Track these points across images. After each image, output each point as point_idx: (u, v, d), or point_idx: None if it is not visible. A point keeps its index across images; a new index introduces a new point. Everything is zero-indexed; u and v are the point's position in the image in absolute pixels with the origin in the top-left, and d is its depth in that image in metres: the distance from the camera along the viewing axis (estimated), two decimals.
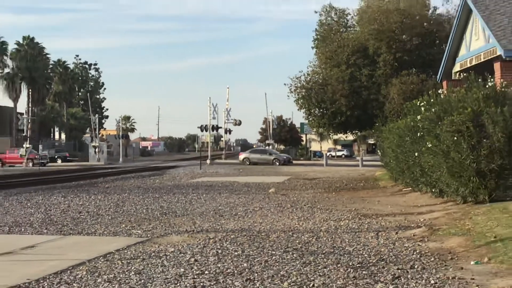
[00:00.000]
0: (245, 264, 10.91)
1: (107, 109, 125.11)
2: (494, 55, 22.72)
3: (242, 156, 70.85)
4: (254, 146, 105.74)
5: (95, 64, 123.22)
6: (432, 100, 21.31)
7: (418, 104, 22.61)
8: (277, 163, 65.46)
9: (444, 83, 29.79)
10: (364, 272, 10.21)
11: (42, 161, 67.66)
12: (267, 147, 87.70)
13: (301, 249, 12.46)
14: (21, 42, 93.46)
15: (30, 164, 65.44)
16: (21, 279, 9.78)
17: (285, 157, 70.76)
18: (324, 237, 14.13)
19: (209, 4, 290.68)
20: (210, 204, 22.64)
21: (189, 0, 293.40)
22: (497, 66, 22.42)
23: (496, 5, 24.25)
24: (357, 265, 10.77)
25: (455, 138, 17.91)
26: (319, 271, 10.33)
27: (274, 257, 11.58)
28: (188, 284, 9.42)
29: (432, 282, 9.46)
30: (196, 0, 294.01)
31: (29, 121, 78.37)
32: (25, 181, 36.49)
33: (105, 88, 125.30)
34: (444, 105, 19.84)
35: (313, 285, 9.28)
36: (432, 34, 48.05)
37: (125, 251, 12.42)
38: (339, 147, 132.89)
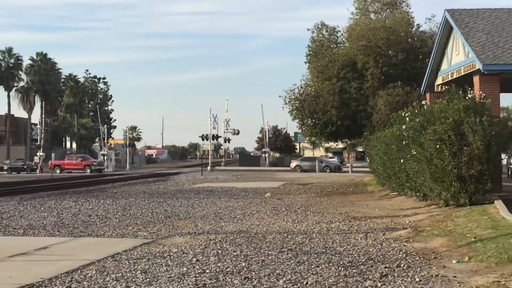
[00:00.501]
0: (243, 264, 10.90)
1: (115, 120, 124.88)
2: (474, 69, 22.74)
3: (293, 164, 69.24)
4: (252, 154, 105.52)
5: (104, 78, 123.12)
6: (416, 111, 21.34)
7: (403, 114, 22.63)
8: (328, 170, 64.47)
9: (427, 95, 29.80)
10: (354, 270, 10.21)
11: (100, 167, 68.34)
12: (319, 156, 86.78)
13: (295, 250, 12.45)
14: (35, 57, 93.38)
15: (88, 171, 66.08)
16: (35, 278, 9.77)
17: (335, 163, 68.95)
18: (317, 238, 14.12)
19: (209, 22, 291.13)
20: (210, 207, 22.63)
21: (189, 19, 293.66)
22: (476, 79, 22.43)
23: (475, 23, 24.31)
24: (348, 264, 10.76)
25: (438, 146, 17.95)
26: (312, 269, 10.33)
27: (270, 257, 11.57)
28: (190, 282, 9.40)
29: (417, 279, 9.46)
30: (196, 19, 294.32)
31: (43, 131, 78.28)
32: (38, 187, 36.43)
33: (113, 100, 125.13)
34: (427, 115, 19.87)
35: (307, 283, 9.27)
36: (416, 50, 48.12)
37: (132, 251, 12.41)
38: (330, 155, 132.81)
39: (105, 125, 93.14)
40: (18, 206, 23.65)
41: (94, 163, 69.14)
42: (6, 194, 29.61)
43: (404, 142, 21.33)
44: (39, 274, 10.05)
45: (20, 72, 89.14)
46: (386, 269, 10.29)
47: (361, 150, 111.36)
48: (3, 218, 19.33)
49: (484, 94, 20.57)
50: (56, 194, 30.96)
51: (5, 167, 67.38)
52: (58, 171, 66.49)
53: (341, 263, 10.90)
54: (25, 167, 67.83)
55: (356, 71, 47.82)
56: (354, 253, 11.99)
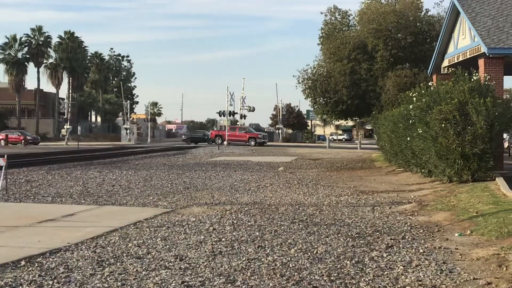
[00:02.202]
0: (257, 233, 10.94)
1: (137, 96, 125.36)
2: (479, 52, 22.55)
3: None
4: (266, 130, 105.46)
5: (127, 56, 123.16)
6: (423, 92, 21.23)
7: (410, 95, 22.52)
8: None
9: (434, 76, 29.62)
10: (361, 241, 10.23)
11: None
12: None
13: (306, 221, 12.49)
14: (62, 36, 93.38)
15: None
16: (63, 242, 9.86)
17: None
18: (326, 210, 14.15)
19: (227, 5, 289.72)
20: (226, 180, 22.69)
21: (209, 1, 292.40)
22: (481, 62, 22.26)
23: (481, 8, 24.05)
24: (355, 235, 10.78)
25: (443, 125, 17.86)
26: (322, 240, 10.36)
27: (282, 227, 11.61)
28: (207, 250, 9.46)
29: (421, 251, 9.47)
30: (215, 1, 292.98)
31: (69, 105, 78.51)
32: (64, 158, 36.61)
33: (136, 77, 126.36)
34: (433, 96, 19.76)
35: (317, 252, 9.30)
36: (424, 33, 47.76)
37: (153, 220, 12.48)
38: (340, 132, 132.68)
39: (128, 101, 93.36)
40: (46, 175, 23.80)
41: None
42: (36, 164, 29.79)
43: (410, 121, 21.25)
44: (66, 239, 10.14)
45: (49, 49, 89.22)
46: (392, 240, 10.30)
47: (370, 128, 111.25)
48: (32, 186, 19.48)
49: (488, 77, 20.44)
50: (82, 164, 31.12)
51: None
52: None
53: (349, 234, 10.92)
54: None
55: (366, 53, 47.56)
56: (361, 225, 12.01)
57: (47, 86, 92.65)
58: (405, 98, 24.07)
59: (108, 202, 15.75)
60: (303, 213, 13.55)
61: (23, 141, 65.14)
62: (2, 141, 64.77)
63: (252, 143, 65.74)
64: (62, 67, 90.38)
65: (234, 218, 12.79)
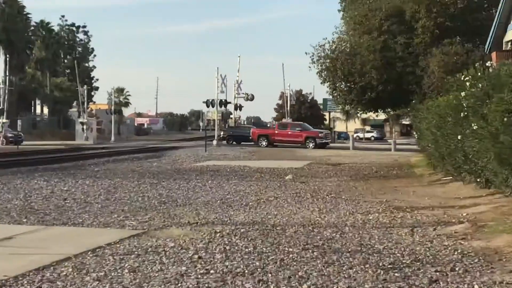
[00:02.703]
0: (257, 263, 10.95)
1: (97, 80, 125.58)
2: None
3: None
4: (269, 125, 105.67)
5: (84, 27, 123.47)
6: (478, 74, 21.22)
7: (462, 78, 22.51)
8: None
9: (494, 54, 29.66)
10: (396, 274, 10.23)
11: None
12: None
13: (323, 247, 12.48)
14: None
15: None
16: None
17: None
18: (350, 232, 14.14)
19: None
20: (216, 192, 22.69)
21: None
22: None
23: None
24: (388, 266, 10.78)
25: (505, 119, 17.84)
26: (344, 272, 10.36)
27: (291, 255, 11.61)
28: (190, 285, 9.46)
29: (476, 287, 9.47)
30: None
31: (6, 91, 78.53)
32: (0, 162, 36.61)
33: (95, 55, 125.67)
34: (493, 80, 19.73)
35: None
36: None
37: (118, 245, 12.47)
38: (368, 128, 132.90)
39: (85, 86, 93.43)
40: None
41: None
42: None
43: (462, 114, 21.23)
44: (2, 270, 10.12)
45: None
46: (437, 273, 10.31)
47: (408, 123, 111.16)
48: None
49: None
50: (23, 171, 31.12)
51: None
52: None
53: (380, 264, 10.92)
54: None
55: (403, 23, 47.59)
56: (396, 252, 12.01)
57: None
58: (455, 83, 24.06)
59: (58, 221, 15.74)
60: (318, 237, 13.55)
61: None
62: None
63: (311, 145, 64.84)
64: None
65: (226, 243, 12.79)
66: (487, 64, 22.53)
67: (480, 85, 20.25)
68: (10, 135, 68.64)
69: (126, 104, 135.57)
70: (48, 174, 29.78)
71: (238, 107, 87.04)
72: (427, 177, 28.98)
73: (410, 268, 10.70)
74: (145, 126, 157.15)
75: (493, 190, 20.11)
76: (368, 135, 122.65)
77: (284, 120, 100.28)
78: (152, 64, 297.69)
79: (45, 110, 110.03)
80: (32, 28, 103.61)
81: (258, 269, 10.49)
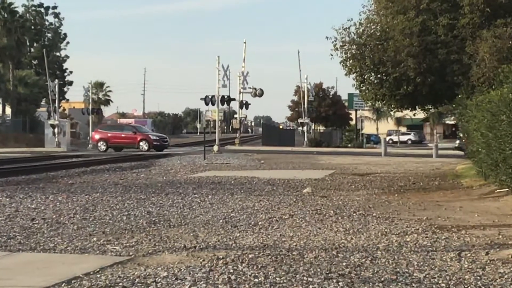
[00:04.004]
0: None
1: (71, 72, 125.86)
2: None
3: None
4: (282, 127, 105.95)
5: (54, 8, 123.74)
6: None
7: None
8: None
9: None
10: None
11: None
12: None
13: (350, 275, 12.50)
14: None
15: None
16: None
17: None
18: (383, 258, 14.16)
19: None
20: (218, 209, 22.72)
21: None
22: None
23: None
24: None
25: None
26: None
27: (311, 287, 11.62)
28: None
29: None
30: None
31: None
32: None
33: (68, 42, 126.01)
34: None
35: None
36: None
37: (98, 275, 12.50)
38: (403, 130, 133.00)
39: (56, 80, 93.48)
40: None
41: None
42: None
43: None
44: None
45: None
46: None
47: (452, 122, 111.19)
48: None
49: None
50: None
51: None
52: None
53: None
54: None
55: (446, 0, 47.59)
56: (441, 281, 12.02)
57: None
58: (510, 73, 24.09)
59: (25, 246, 15.77)
60: (344, 263, 13.56)
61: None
62: None
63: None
64: None
65: (231, 271, 12.80)
66: None
67: None
68: (154, 138, 73.29)
69: (107, 102, 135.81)
70: (11, 188, 29.82)
71: (244, 104, 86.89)
72: (477, 189, 28.96)
73: None
74: None
75: None
76: (403, 138, 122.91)
77: (299, 120, 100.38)
78: (138, 53, 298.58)
79: (8, 110, 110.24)
80: None
81: None
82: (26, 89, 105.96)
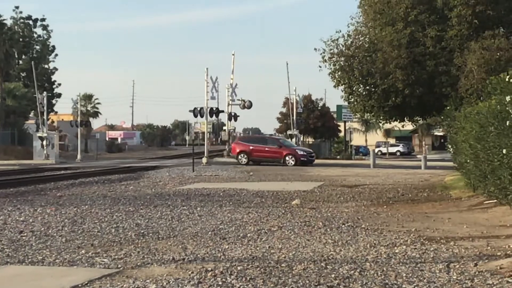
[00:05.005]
0: None
1: (59, 85, 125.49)
2: None
3: None
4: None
5: (43, 20, 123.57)
6: None
7: (507, 79, 22.59)
8: None
9: None
10: None
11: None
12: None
13: (339, 287, 12.49)
14: None
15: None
16: None
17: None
18: (372, 269, 14.16)
19: None
20: (207, 221, 22.72)
21: None
22: None
23: None
24: None
25: None
26: None
27: None
28: None
29: None
30: None
31: None
32: None
33: (56, 54, 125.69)
34: None
35: None
36: None
37: None
38: (392, 141, 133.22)
39: (45, 92, 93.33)
40: None
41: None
42: None
43: (508, 123, 21.30)
44: None
45: None
46: None
47: (441, 134, 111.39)
48: None
49: None
50: None
51: None
52: None
53: None
54: None
55: (434, 12, 47.73)
56: None
57: None
58: (498, 85, 24.13)
59: (13, 259, 15.75)
60: (333, 275, 13.57)
61: None
62: None
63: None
64: None
65: (220, 284, 12.80)
66: None
67: None
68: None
69: (95, 114, 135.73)
70: (0, 201, 29.77)
71: (232, 116, 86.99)
72: (466, 200, 29.01)
73: None
74: (119, 141, 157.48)
75: None
76: (392, 149, 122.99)
77: (288, 132, 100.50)
78: (126, 65, 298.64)
79: None
80: None
81: None
82: (14, 102, 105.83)
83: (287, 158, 65.71)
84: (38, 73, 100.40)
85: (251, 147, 69.64)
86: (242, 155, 68.50)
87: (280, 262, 15.09)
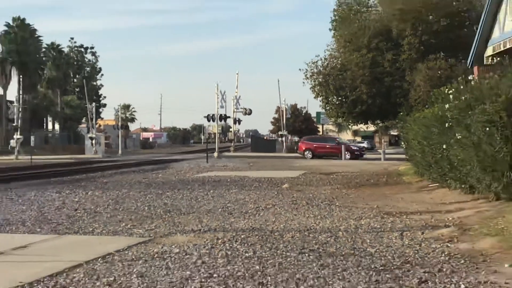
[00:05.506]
0: (257, 267, 10.93)
1: (104, 97, 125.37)
2: None
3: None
4: (266, 138, 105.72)
5: (92, 48, 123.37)
6: (461, 87, 21.25)
7: (446, 91, 22.55)
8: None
9: (475, 68, 29.67)
10: (387, 275, 10.22)
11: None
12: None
13: (318, 250, 12.47)
14: (10, 23, 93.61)
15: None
16: (13, 282, 9.80)
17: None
18: (343, 237, 14.13)
19: None
20: (218, 201, 22.66)
21: None
22: None
23: None
24: (380, 268, 10.77)
25: (487, 128, 17.85)
26: (338, 274, 10.34)
27: (288, 259, 11.59)
28: None
29: (463, 286, 9.45)
30: None
31: (20, 109, 78.26)
32: (15, 175, 36.57)
33: (102, 74, 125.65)
34: (475, 92, 19.77)
35: None
36: (462, 15, 47.94)
37: (126, 252, 12.45)
38: (359, 139, 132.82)
39: (93, 103, 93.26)
40: None
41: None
42: None
43: (447, 125, 21.26)
44: (18, 277, 10.09)
45: None
46: (426, 274, 10.29)
47: (396, 133, 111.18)
48: None
49: None
50: (37, 184, 31.09)
51: None
52: None
53: (372, 266, 10.91)
54: None
55: (390, 40, 47.74)
56: (387, 255, 12.00)
57: None
58: (439, 96, 24.10)
59: (70, 230, 15.71)
60: (314, 241, 13.54)
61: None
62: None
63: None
64: (11, 62, 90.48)
65: (228, 248, 12.77)
66: (469, 78, 22.58)
67: (463, 97, 20.29)
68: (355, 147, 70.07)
69: (132, 119, 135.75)
70: (60, 186, 29.74)
71: (236, 121, 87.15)
72: (415, 184, 28.96)
73: (401, 269, 10.68)
74: (150, 140, 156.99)
75: (477, 196, 20.12)
76: (359, 145, 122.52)
77: (279, 133, 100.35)
78: (156, 82, 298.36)
79: (57, 126, 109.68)
80: (44, 49, 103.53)
81: (258, 273, 10.47)
82: (71, 110, 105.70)
83: (344, 153, 64.39)
84: (89, 89, 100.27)
85: (314, 145, 68.36)
86: (307, 151, 67.18)
87: (274, 231, 15.05)
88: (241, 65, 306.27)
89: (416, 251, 12.34)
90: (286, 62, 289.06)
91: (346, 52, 49.27)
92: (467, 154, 19.12)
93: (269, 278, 10.08)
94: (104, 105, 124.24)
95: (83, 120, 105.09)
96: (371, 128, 79.61)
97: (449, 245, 12.97)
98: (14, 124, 78.43)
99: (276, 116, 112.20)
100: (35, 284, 9.73)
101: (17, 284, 9.68)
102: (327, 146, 68.35)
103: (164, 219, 17.58)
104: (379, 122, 63.92)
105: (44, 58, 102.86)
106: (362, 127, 74.89)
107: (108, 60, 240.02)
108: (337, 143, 68.21)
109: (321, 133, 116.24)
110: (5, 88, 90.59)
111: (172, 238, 14.21)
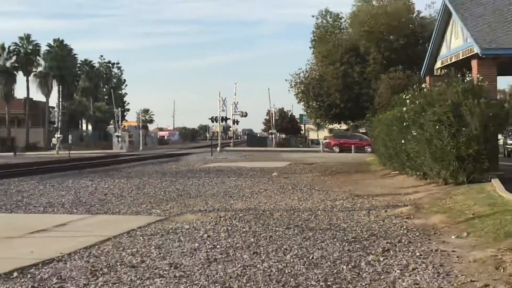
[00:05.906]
0: (252, 239, 10.93)
1: (128, 103, 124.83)
2: (472, 53, 22.63)
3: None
4: (259, 135, 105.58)
5: (118, 63, 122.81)
6: (416, 94, 21.29)
7: (404, 97, 22.57)
8: None
9: (427, 78, 29.72)
10: (357, 245, 10.24)
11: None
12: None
13: (301, 226, 12.48)
14: (51, 44, 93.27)
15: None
16: (55, 252, 9.82)
17: None
18: (322, 215, 14.15)
19: (219, 9, 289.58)
20: (220, 186, 22.67)
21: (199, 6, 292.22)
22: (474, 63, 22.35)
23: (473, 9, 24.17)
24: (351, 240, 10.79)
25: (437, 127, 17.92)
26: (318, 245, 10.36)
27: (277, 233, 11.60)
28: (202, 257, 9.45)
29: (418, 254, 9.48)
30: (206, 6, 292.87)
31: (60, 114, 78.07)
32: (56, 167, 36.52)
33: (126, 85, 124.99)
34: (427, 97, 19.82)
35: (313, 257, 9.30)
36: (417, 35, 48.02)
37: (146, 228, 12.45)
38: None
39: (119, 108, 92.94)
40: (37, 185, 23.72)
41: None
42: (26, 174, 29.72)
43: (405, 124, 21.30)
44: (59, 249, 10.10)
45: (38, 58, 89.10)
46: (388, 244, 10.32)
47: (364, 131, 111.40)
48: (24, 196, 19.42)
49: (481, 77, 20.49)
50: (73, 174, 31.06)
51: None
52: None
53: (345, 238, 10.93)
54: None
55: (359, 56, 47.81)
56: (357, 229, 12.02)
57: (37, 95, 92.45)
58: (398, 101, 24.12)
59: (101, 211, 15.72)
60: (298, 219, 13.55)
61: None
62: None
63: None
64: (52, 76, 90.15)
65: (228, 224, 12.78)
66: (422, 86, 22.57)
67: (417, 102, 20.33)
68: None
69: (151, 121, 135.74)
70: (92, 175, 29.70)
71: (235, 122, 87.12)
72: (379, 172, 28.98)
73: (368, 240, 10.71)
74: (165, 137, 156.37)
75: (429, 181, 20.18)
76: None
77: (270, 131, 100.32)
78: (170, 90, 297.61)
79: (89, 127, 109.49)
80: (79, 65, 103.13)
81: (253, 244, 10.48)
82: (101, 114, 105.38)
83: (366, 147, 62.58)
84: (115, 97, 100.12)
85: (341, 141, 66.53)
86: (335, 146, 64.20)
87: (265, 211, 15.07)
88: (239, 76, 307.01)
89: (380, 226, 12.37)
90: (275, 74, 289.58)
91: (323, 66, 49.35)
92: (421, 148, 19.19)
93: (262, 248, 10.10)
94: (128, 110, 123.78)
95: (111, 122, 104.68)
96: (344, 127, 79.57)
97: (407, 220, 13.01)
98: (55, 126, 78.28)
99: (267, 118, 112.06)
100: (73, 255, 9.74)
101: (58, 254, 9.69)
102: (352, 142, 66.27)
103: (177, 201, 17.59)
104: (350, 122, 64.07)
105: (79, 72, 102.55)
106: (336, 126, 75.06)
107: (131, 73, 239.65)
108: (360, 139, 66.11)
109: (303, 131, 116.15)
110: (47, 97, 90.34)
111: (183, 217, 14.22)
